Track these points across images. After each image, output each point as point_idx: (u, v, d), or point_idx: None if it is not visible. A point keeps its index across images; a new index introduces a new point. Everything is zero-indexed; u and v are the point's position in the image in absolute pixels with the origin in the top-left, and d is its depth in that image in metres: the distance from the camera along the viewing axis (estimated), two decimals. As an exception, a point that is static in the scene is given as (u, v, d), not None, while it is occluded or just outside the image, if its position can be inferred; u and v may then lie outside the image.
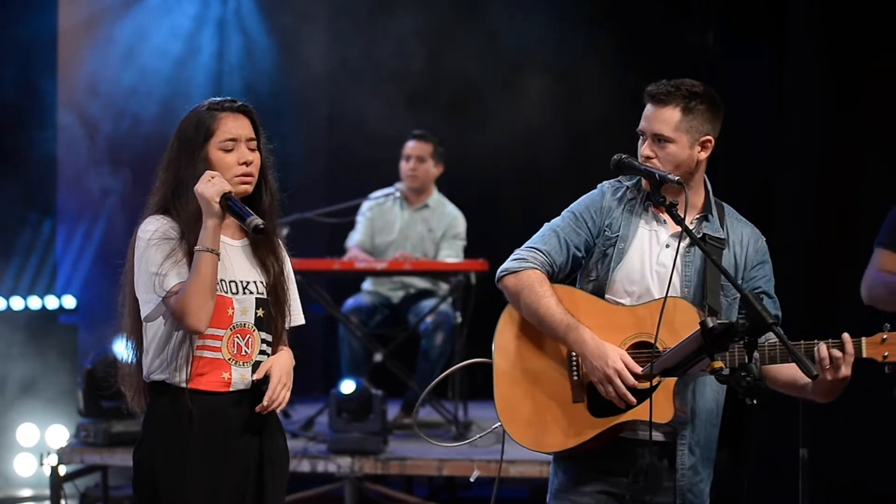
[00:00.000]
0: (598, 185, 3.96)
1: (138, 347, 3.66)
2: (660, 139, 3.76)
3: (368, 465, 6.74)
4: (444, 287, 7.70)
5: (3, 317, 8.28)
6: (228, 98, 3.68)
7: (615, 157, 3.75)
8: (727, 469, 7.98)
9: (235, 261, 3.64)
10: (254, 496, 3.63)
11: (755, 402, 3.30)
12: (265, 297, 3.66)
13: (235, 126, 3.61)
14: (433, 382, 4.24)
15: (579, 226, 3.86)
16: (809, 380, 3.50)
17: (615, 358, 3.66)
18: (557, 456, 3.88)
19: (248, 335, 3.63)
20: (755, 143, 8.10)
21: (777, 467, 6.31)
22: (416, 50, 9.02)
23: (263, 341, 3.67)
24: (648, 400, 3.64)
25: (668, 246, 3.82)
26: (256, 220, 3.53)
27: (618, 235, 3.83)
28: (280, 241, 3.77)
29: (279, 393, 3.63)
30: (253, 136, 3.65)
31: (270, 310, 3.67)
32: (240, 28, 9.66)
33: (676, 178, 3.64)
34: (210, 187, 3.51)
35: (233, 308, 3.59)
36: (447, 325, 7.48)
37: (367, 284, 7.93)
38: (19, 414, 8.09)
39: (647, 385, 3.65)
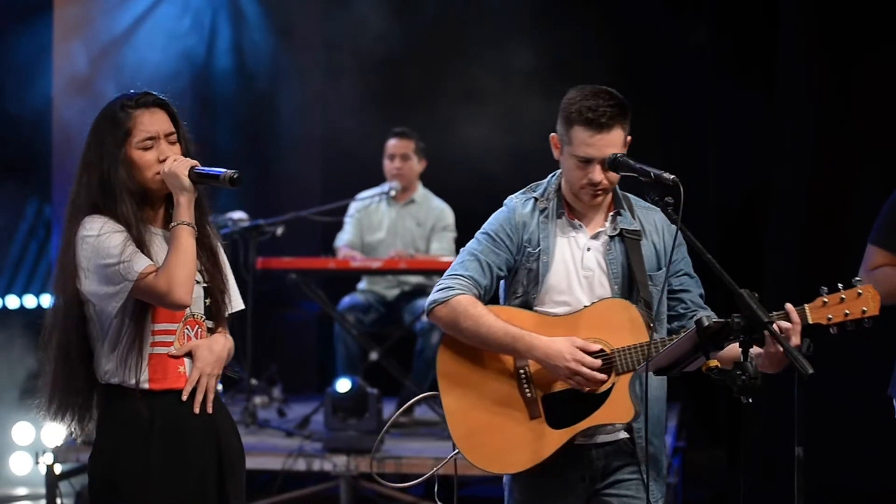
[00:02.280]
0: (505, 202, 3.93)
1: (78, 359, 3.54)
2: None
3: (364, 464, 6.74)
4: (438, 284, 7.70)
5: (-2, 315, 8.28)
6: (142, 92, 3.58)
7: (611, 155, 3.73)
8: (722, 468, 8.02)
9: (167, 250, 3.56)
10: (217, 497, 3.56)
11: (750, 400, 3.31)
12: (208, 284, 3.60)
13: (151, 122, 3.53)
14: (393, 416, 4.26)
15: (497, 246, 3.83)
16: (757, 352, 3.48)
17: (569, 348, 3.66)
18: (513, 474, 3.85)
19: (196, 326, 3.58)
20: (745, 146, 8.12)
21: (772, 466, 6.32)
22: (416, 46, 9.02)
23: (210, 330, 3.62)
24: (608, 403, 3.66)
25: (589, 249, 3.83)
26: (229, 172, 3.49)
27: (539, 249, 3.82)
28: (211, 226, 3.68)
29: (203, 382, 3.54)
30: (172, 129, 3.57)
31: (214, 297, 3.62)
32: (233, 24, 9.66)
33: (671, 177, 3.63)
34: (178, 165, 3.47)
35: None
36: (443, 324, 7.47)
37: (362, 283, 7.93)
38: (15, 413, 8.08)
39: (603, 389, 3.67)
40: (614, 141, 3.75)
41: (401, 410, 4.51)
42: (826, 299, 3.59)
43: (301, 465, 6.81)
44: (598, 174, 3.75)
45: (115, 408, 3.54)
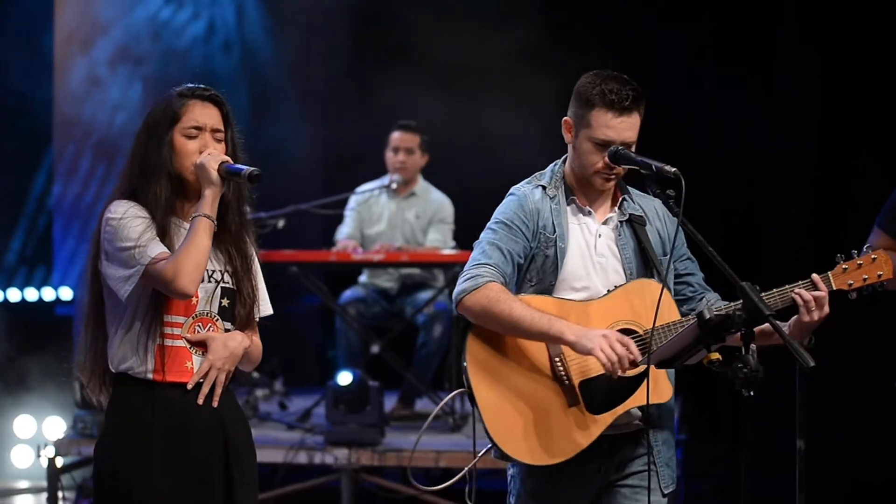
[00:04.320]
0: (511, 192, 3.90)
1: (101, 337, 3.59)
2: (626, 145, 3.75)
3: (365, 457, 6.75)
4: (439, 277, 7.71)
5: (-1, 308, 8.29)
6: (201, 86, 3.64)
7: (611, 148, 3.72)
8: (724, 460, 8.03)
9: None
10: (223, 490, 3.56)
11: (752, 393, 3.31)
12: (231, 286, 3.62)
13: (202, 114, 3.58)
14: (433, 412, 4.14)
15: (514, 234, 3.79)
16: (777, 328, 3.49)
17: (602, 330, 3.62)
18: (526, 464, 3.78)
19: (209, 324, 3.58)
20: (745, 144, 8.13)
21: (774, 458, 6.33)
22: (419, 40, 9.01)
23: (226, 331, 3.62)
24: (645, 385, 3.63)
25: (600, 235, 3.82)
26: (251, 169, 3.52)
27: (556, 235, 3.79)
28: (248, 234, 3.70)
29: (212, 375, 3.54)
30: (220, 127, 3.61)
31: (236, 299, 3.63)
32: (237, 24, 9.67)
33: (673, 169, 3.62)
34: (210, 158, 3.51)
35: (197, 296, 3.54)
36: (445, 317, 7.48)
37: (363, 276, 7.93)
38: (16, 406, 8.09)
39: (638, 371, 3.64)
40: (633, 124, 3.75)
41: (442, 404, 4.30)
42: (845, 266, 3.70)
43: (302, 458, 6.82)
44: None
45: (121, 396, 3.57)
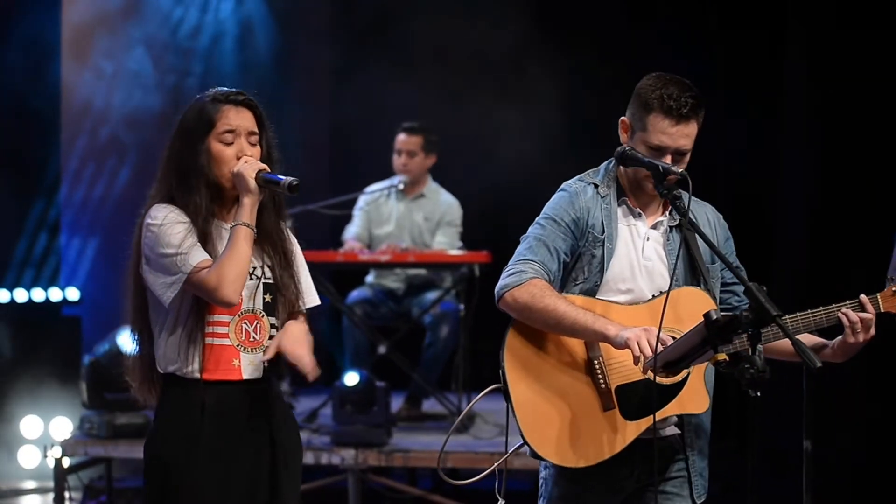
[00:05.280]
0: (562, 187, 3.85)
1: (147, 339, 3.65)
2: (681, 153, 3.71)
3: (372, 458, 6.75)
4: (447, 278, 7.71)
5: (6, 309, 8.30)
6: (234, 90, 3.66)
7: (619, 149, 3.71)
8: (731, 461, 8.01)
9: None
10: (268, 490, 3.61)
11: (759, 394, 3.30)
12: (272, 281, 3.65)
13: (236, 118, 3.60)
14: (469, 406, 4.13)
15: (563, 231, 3.74)
16: (824, 344, 3.57)
17: (643, 325, 3.58)
18: (560, 466, 3.76)
19: (255, 321, 3.61)
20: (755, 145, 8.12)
21: (781, 459, 6.31)
22: (426, 42, 9.02)
23: (272, 326, 3.65)
24: (682, 393, 3.62)
25: (648, 239, 3.79)
26: (290, 179, 3.55)
27: (605, 235, 3.75)
28: (286, 228, 3.77)
29: (300, 354, 3.55)
30: (255, 130, 3.63)
31: (277, 294, 3.66)
32: (241, 22, 9.67)
33: (680, 171, 3.61)
34: (248, 167, 3.53)
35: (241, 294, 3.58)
36: (453, 318, 7.48)
37: (370, 277, 7.93)
38: (23, 406, 8.10)
39: (675, 380, 3.63)
40: (690, 133, 3.69)
41: (476, 399, 4.09)
42: (895, 288, 3.65)
43: (309, 458, 6.81)
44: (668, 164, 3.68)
45: (169, 396, 3.61)
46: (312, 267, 7.49)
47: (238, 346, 3.59)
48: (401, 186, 7.80)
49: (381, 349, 7.48)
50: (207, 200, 3.57)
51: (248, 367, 3.60)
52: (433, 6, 8.98)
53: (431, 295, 7.67)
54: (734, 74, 8.25)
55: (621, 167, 3.82)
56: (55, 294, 8.55)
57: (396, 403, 7.43)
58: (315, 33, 9.76)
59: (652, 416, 3.62)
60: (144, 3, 9.18)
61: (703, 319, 3.36)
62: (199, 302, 3.54)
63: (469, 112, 8.83)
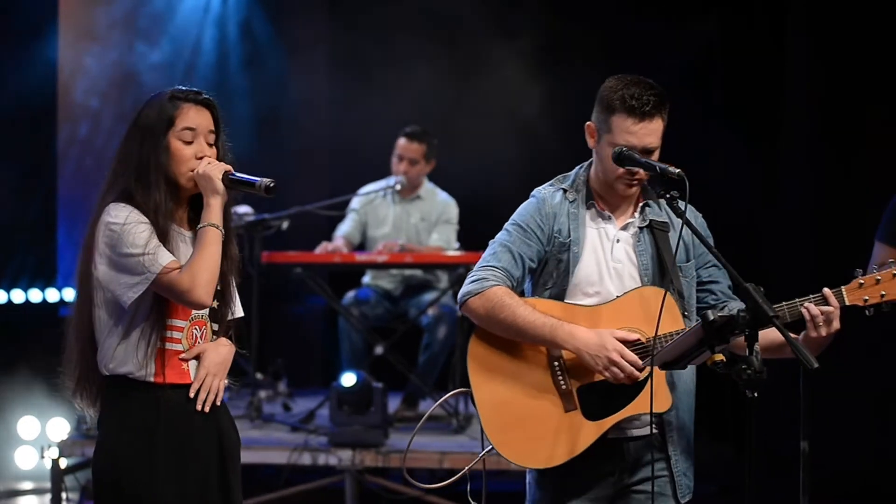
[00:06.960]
0: (532, 193, 3.89)
1: (88, 339, 3.58)
2: (648, 152, 3.72)
3: (369, 458, 6.75)
4: (443, 278, 7.70)
5: (3, 309, 8.29)
6: (193, 89, 3.62)
7: (615, 149, 3.71)
8: (728, 462, 8.01)
9: (189, 251, 3.57)
10: (219, 491, 3.59)
11: (756, 394, 3.30)
12: (219, 287, 3.60)
13: (197, 117, 3.56)
14: (430, 410, 4.12)
15: (528, 237, 3.79)
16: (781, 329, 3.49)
17: (610, 339, 3.62)
18: (542, 469, 3.78)
19: (203, 326, 3.60)
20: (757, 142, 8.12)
21: (778, 460, 6.31)
22: (422, 43, 9.02)
23: (214, 332, 3.64)
24: (644, 393, 3.63)
25: (618, 241, 3.80)
26: (266, 181, 3.52)
27: (570, 240, 3.78)
28: (233, 235, 3.69)
29: (208, 382, 3.56)
30: (213, 129, 3.59)
31: (222, 301, 3.64)
32: (241, 25, 9.67)
33: (677, 171, 3.61)
34: (212, 168, 3.50)
35: None
36: (450, 318, 7.48)
37: (367, 277, 7.93)
38: (20, 407, 8.09)
39: (638, 378, 3.63)
40: (655, 130, 3.71)
41: (440, 401, 4.32)
42: (862, 281, 3.62)
43: (306, 459, 6.81)
44: None
45: (119, 399, 3.55)
46: (309, 268, 7.57)
47: (188, 350, 3.57)
48: (397, 188, 7.78)
49: (378, 350, 7.48)
50: (167, 197, 3.52)
51: (195, 370, 3.58)
52: (432, 9, 8.99)
53: (428, 296, 7.67)
54: (734, 75, 8.27)
55: (591, 171, 3.85)
56: (52, 295, 8.54)
57: (393, 404, 7.43)
58: (314, 34, 9.75)
59: (612, 416, 3.66)
60: (146, 2, 9.19)
61: (700, 320, 3.37)
62: (160, 305, 3.49)
63: (469, 112, 8.83)
